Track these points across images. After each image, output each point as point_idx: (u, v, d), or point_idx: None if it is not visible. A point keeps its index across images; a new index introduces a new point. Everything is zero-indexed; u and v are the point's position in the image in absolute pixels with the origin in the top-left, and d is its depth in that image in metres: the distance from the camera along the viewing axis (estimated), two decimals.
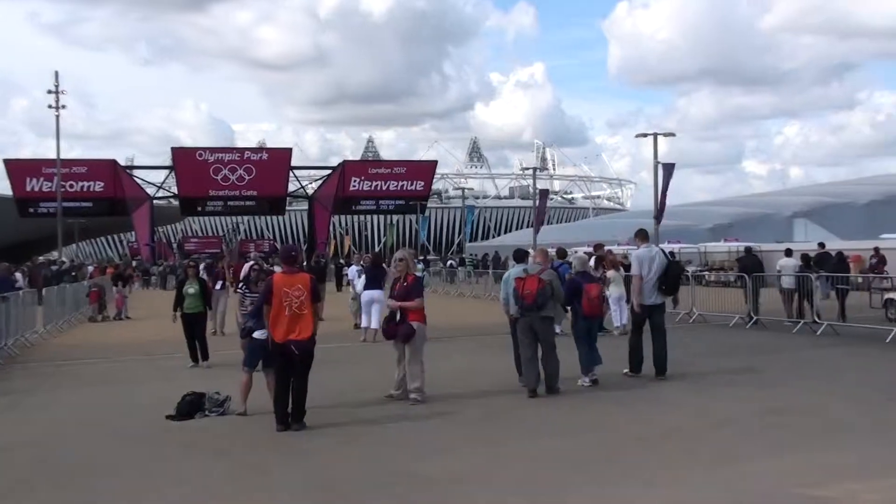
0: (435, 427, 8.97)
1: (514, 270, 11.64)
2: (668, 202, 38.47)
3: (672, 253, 34.60)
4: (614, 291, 17.54)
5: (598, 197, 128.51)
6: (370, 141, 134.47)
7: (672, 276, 12.03)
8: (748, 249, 24.15)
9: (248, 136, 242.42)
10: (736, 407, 9.65)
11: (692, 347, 15.53)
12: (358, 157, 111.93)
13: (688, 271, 28.14)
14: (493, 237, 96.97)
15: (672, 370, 12.06)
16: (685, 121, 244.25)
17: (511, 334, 11.88)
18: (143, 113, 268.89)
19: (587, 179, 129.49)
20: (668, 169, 37.78)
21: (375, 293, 17.13)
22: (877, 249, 27.08)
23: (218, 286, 19.05)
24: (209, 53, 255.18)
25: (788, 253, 21.18)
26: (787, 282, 19.56)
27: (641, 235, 12.48)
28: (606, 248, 20.54)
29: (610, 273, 17.74)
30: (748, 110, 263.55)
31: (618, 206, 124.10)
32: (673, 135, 41.70)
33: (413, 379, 10.16)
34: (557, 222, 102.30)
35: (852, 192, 70.20)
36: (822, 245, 24.85)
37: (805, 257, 21.12)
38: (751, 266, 20.92)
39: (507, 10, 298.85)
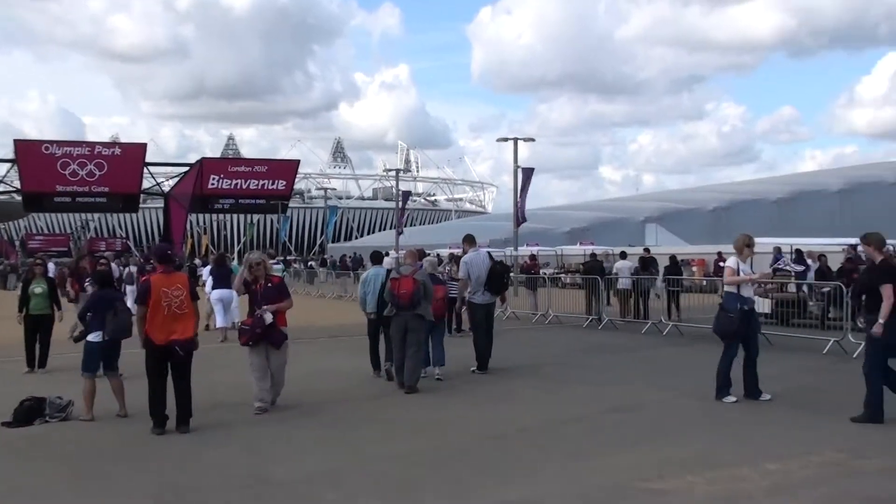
0: (289, 430, 8.85)
1: (374, 271, 12.24)
2: (527, 206, 39.29)
3: (534, 255, 35.45)
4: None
5: (461, 199, 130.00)
6: (231, 138, 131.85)
7: (496, 276, 12.73)
8: (593, 255, 25.29)
9: (99, 129, 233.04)
10: (585, 405, 9.98)
11: (546, 348, 15.99)
12: (218, 155, 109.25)
13: (545, 273, 28.94)
14: (356, 238, 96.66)
15: (526, 370, 12.60)
16: (545, 126, 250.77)
17: (368, 334, 12.40)
18: None
19: (450, 182, 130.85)
20: (528, 173, 38.59)
21: (224, 292, 17.46)
22: (720, 254, 28.58)
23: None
24: (58, 42, 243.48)
25: (623, 256, 22.64)
26: (623, 283, 20.76)
27: (469, 240, 13.25)
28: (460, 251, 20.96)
29: None
30: (605, 118, 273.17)
31: (479, 209, 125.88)
32: (533, 140, 42.57)
33: (277, 385, 9.88)
34: (420, 224, 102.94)
35: (699, 199, 73.65)
36: (647, 250, 26.30)
37: (646, 260, 22.36)
38: (594, 270, 22.11)
39: (372, 10, 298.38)
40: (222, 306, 17.77)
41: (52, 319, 13.69)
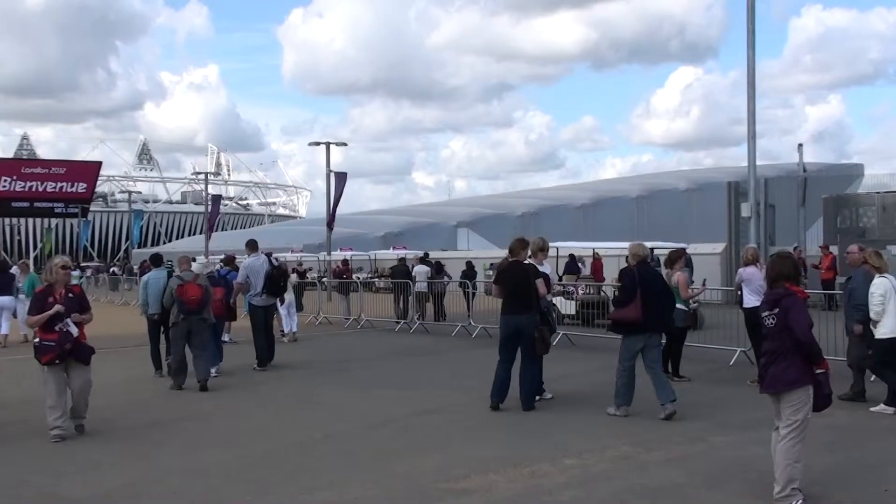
0: (82, 444, 8.40)
1: (155, 274, 12.77)
2: (341, 210, 39.25)
3: (346, 259, 35.45)
4: (284, 297, 17.51)
5: (274, 204, 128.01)
6: (25, 138, 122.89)
7: (273, 280, 13.69)
8: (401, 259, 25.81)
9: None
10: (392, 408, 10.04)
11: (355, 352, 16.02)
12: (10, 155, 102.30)
13: (358, 278, 28.97)
14: (165, 243, 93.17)
15: (333, 374, 12.76)
16: (359, 131, 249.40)
17: (150, 335, 13.00)
18: None
19: (263, 186, 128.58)
20: (341, 178, 38.58)
21: (5, 299, 17.63)
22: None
23: None
24: None
25: (422, 260, 23.82)
26: (421, 286, 21.55)
27: (251, 246, 14.19)
28: (273, 254, 20.74)
29: None
30: (417, 123, 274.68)
31: (293, 213, 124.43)
32: (345, 144, 42.80)
33: (82, 405, 8.84)
34: (232, 228, 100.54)
35: (508, 205, 75.82)
36: (426, 254, 27.37)
37: (438, 265, 23.38)
38: (402, 274, 22.72)
39: (179, 8, 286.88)
40: (3, 313, 17.72)
41: None
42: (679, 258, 12.11)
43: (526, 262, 10.00)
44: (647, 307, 9.04)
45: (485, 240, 59.43)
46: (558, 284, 14.00)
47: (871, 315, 9.20)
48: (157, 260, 13.52)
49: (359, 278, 29.20)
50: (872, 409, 9.30)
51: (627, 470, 7.11)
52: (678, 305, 11.70)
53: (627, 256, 9.83)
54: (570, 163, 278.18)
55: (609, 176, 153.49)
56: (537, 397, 10.12)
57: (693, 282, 14.69)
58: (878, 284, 9.19)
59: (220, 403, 10.68)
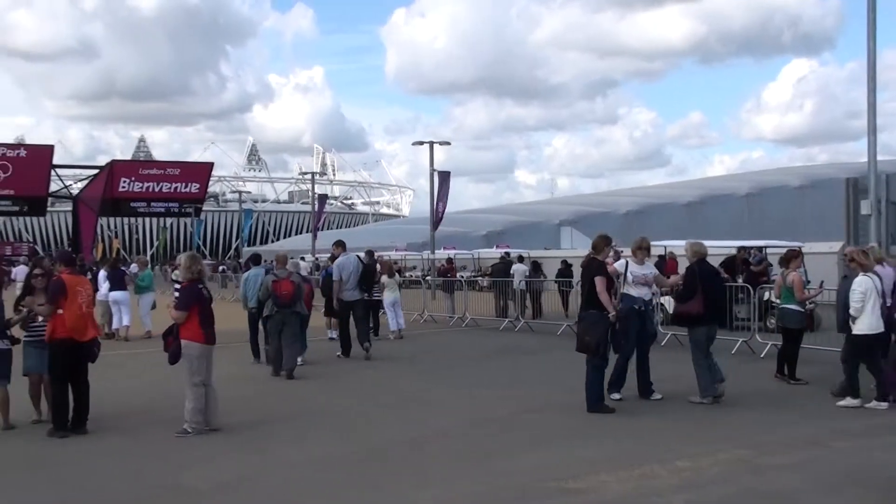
0: (200, 436, 8.64)
1: (254, 272, 13.88)
2: (444, 209, 39.43)
3: (451, 258, 35.63)
4: (388, 296, 17.75)
5: (378, 203, 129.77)
6: (142, 140, 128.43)
7: (367, 277, 14.67)
8: (502, 257, 25.87)
9: (2, 131, 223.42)
10: (496, 406, 10.01)
11: (459, 350, 16.06)
12: (128, 157, 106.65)
13: (462, 276, 29.11)
14: (272, 241, 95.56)
15: (438, 372, 12.87)
16: (461, 130, 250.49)
17: (249, 326, 13.93)
18: None
19: (367, 185, 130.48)
20: (444, 177, 38.75)
21: (119, 294, 18.22)
22: (617, 253, 29.35)
23: None
24: None
25: (520, 259, 24.03)
26: (519, 284, 21.62)
27: (342, 245, 15.11)
28: (379, 254, 21.10)
29: (384, 278, 17.90)
30: (519, 121, 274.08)
31: (396, 213, 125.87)
32: (448, 143, 42.94)
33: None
34: (337, 227, 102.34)
35: (613, 203, 74.90)
36: (507, 254, 27.42)
37: (535, 264, 23.88)
38: (502, 273, 22.98)
39: (285, 11, 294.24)
40: (119, 307, 18.42)
41: None
42: (795, 257, 11.75)
43: (606, 260, 9.97)
44: (708, 301, 9.81)
45: (588, 238, 58.57)
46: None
47: (851, 311, 9.46)
48: (256, 259, 14.80)
49: (462, 277, 29.30)
50: (840, 403, 9.57)
51: (742, 473, 6.91)
52: (792, 306, 11.36)
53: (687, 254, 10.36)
54: (676, 160, 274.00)
55: (717, 173, 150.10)
56: (654, 396, 10.15)
57: (809, 282, 14.21)
58: (860, 282, 9.49)
59: (328, 398, 10.87)
